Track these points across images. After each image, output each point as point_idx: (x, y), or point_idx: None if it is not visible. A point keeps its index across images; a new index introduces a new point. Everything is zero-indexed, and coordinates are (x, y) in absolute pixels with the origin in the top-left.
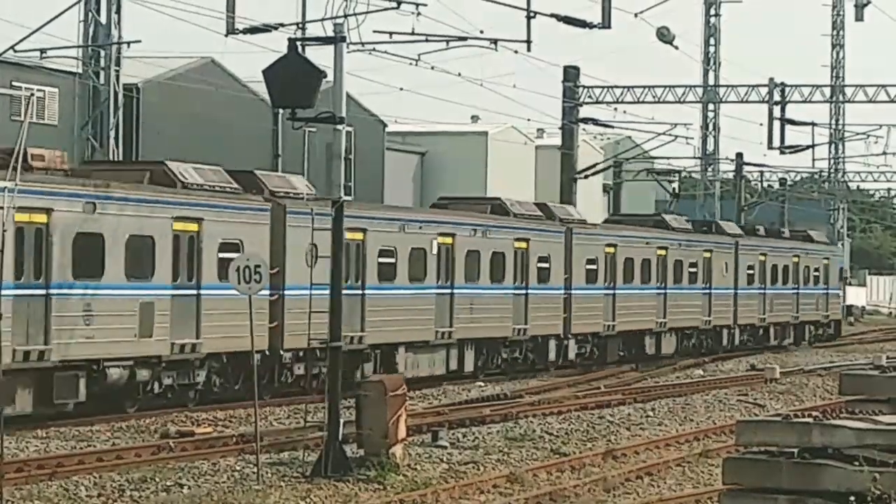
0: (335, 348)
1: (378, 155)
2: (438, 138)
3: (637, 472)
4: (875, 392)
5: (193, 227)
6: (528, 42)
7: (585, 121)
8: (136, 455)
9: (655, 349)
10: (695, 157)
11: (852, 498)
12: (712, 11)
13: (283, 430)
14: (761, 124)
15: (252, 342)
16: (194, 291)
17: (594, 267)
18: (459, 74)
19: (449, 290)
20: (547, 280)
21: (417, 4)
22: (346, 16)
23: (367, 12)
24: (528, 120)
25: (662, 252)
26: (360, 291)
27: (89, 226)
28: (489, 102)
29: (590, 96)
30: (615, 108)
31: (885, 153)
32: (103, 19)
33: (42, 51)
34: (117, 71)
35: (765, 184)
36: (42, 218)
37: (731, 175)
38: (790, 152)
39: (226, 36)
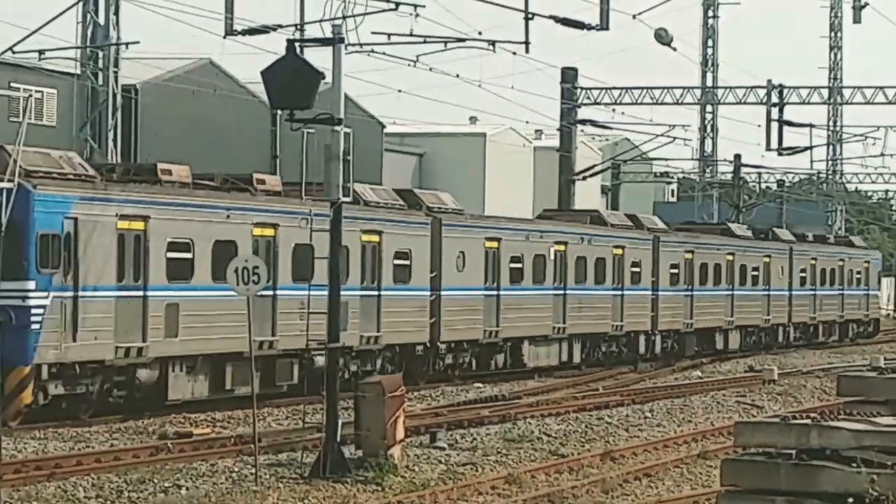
0: (333, 350)
1: (376, 156)
2: (437, 139)
3: (635, 474)
4: (873, 394)
5: (375, 238)
6: (527, 43)
7: (584, 122)
8: (134, 456)
9: (724, 345)
10: (693, 159)
11: (850, 499)
12: (710, 13)
13: (282, 431)
14: (759, 126)
15: (250, 342)
16: (376, 293)
17: (676, 271)
18: (458, 76)
19: (563, 291)
20: (638, 282)
21: (415, 6)
22: (344, 17)
23: (366, 14)
24: (527, 121)
25: (730, 257)
26: (496, 292)
27: (304, 238)
28: (487, 104)
29: (588, 97)
30: (613, 110)
31: (882, 154)
32: (101, 20)
33: (40, 52)
34: (115, 72)
35: (763, 185)
36: (270, 231)
37: (729, 176)
38: (788, 154)
39: (224, 37)
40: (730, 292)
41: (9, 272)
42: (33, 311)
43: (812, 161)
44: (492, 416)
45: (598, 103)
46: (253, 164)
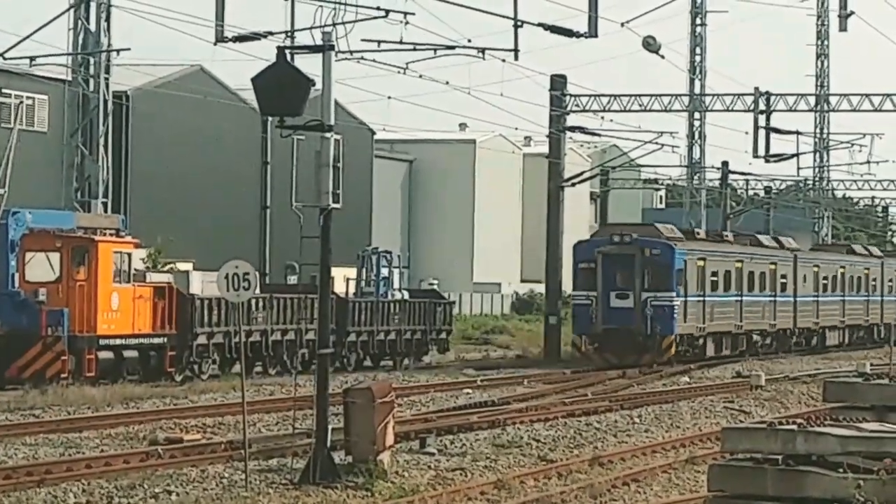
0: (323, 356)
1: (366, 162)
2: (426, 146)
3: (623, 479)
4: (858, 400)
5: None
6: (516, 51)
7: (572, 129)
8: (124, 462)
9: (839, 341)
10: (681, 166)
11: None
12: (698, 21)
13: (272, 436)
14: (747, 133)
15: (242, 341)
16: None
17: (807, 282)
18: (447, 83)
19: (740, 298)
20: (784, 290)
21: (405, 14)
22: (334, 24)
23: (356, 21)
24: (516, 128)
25: (843, 270)
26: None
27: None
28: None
29: (577, 105)
30: (602, 117)
31: (869, 162)
32: (93, 27)
33: (32, 58)
34: (107, 78)
35: (750, 192)
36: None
37: (716, 183)
38: (775, 161)
39: (215, 44)
40: (842, 298)
41: (662, 287)
42: (675, 307)
43: (799, 168)
44: (481, 421)
45: (586, 110)
46: (243, 170)
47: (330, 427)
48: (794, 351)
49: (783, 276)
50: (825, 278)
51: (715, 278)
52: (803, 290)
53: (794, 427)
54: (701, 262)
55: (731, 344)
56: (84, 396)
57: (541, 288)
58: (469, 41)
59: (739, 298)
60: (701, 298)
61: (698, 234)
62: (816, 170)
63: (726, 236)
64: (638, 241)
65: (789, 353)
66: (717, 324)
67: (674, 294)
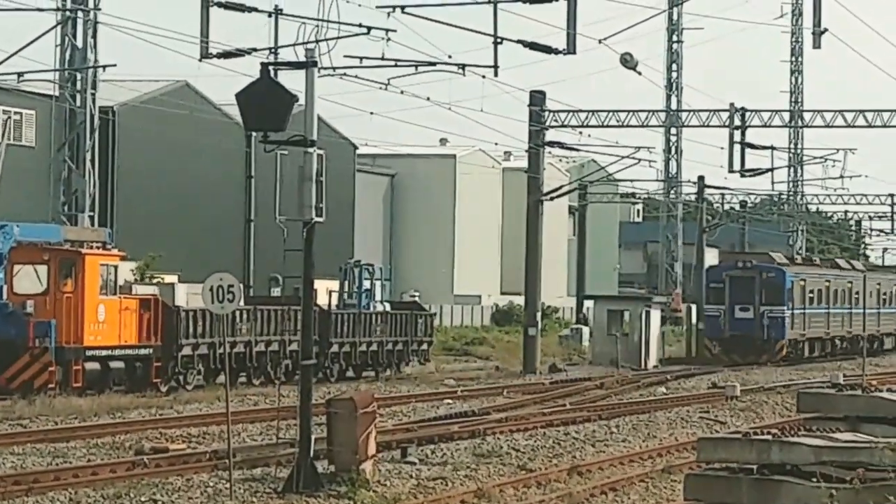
0: (306, 367)
1: (349, 176)
2: (408, 160)
3: (601, 488)
4: (832, 410)
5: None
6: (496, 67)
7: (551, 144)
8: (110, 471)
9: (893, 345)
10: (658, 180)
11: None
12: (674, 38)
13: (256, 446)
14: (722, 148)
15: (226, 352)
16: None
17: (872, 297)
18: (428, 98)
19: (828, 310)
20: (857, 303)
21: (387, 31)
22: (317, 41)
23: (338, 38)
24: (496, 143)
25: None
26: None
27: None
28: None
29: (555, 120)
30: (580, 132)
31: (842, 176)
32: (79, 43)
33: (19, 74)
34: (93, 94)
35: (726, 206)
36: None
37: (693, 197)
38: (750, 175)
39: (200, 60)
40: (893, 310)
41: (774, 301)
42: (785, 318)
43: (773, 182)
44: (461, 431)
45: (565, 126)
46: (227, 183)
47: (313, 437)
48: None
49: (856, 292)
50: (884, 294)
51: (811, 295)
52: (869, 304)
53: (769, 437)
54: (802, 282)
55: (821, 347)
56: (71, 406)
57: (520, 300)
58: (450, 57)
59: (827, 310)
60: (803, 311)
61: (797, 259)
62: (791, 184)
63: (814, 260)
64: (757, 266)
65: (857, 355)
66: (813, 331)
67: (785, 307)
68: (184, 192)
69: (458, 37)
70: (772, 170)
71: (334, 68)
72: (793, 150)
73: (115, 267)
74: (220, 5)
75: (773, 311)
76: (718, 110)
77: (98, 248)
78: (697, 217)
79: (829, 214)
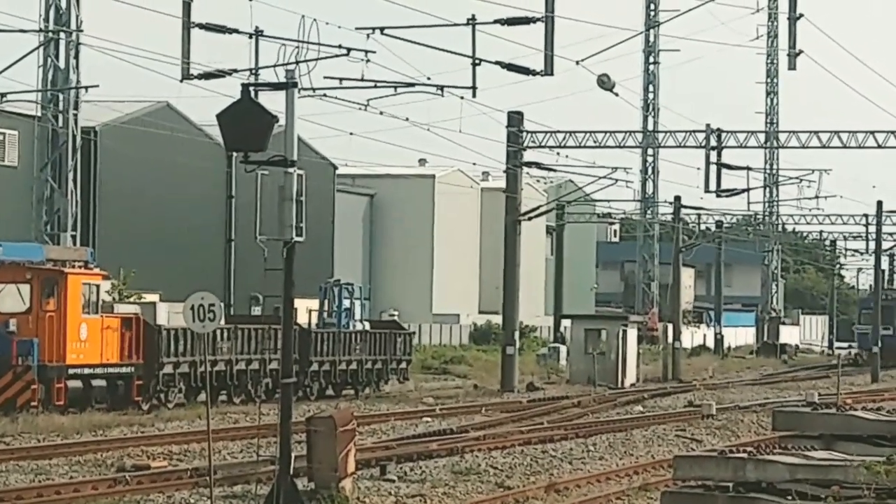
0: (286, 385)
1: (328, 197)
2: (387, 181)
3: None
4: (807, 428)
5: None
6: (474, 88)
7: (529, 164)
8: (93, 488)
9: None
10: (635, 200)
11: None
12: (651, 59)
13: (237, 463)
14: (698, 168)
15: (207, 370)
16: None
17: None
18: (407, 119)
19: None
20: None
21: (366, 52)
22: (297, 62)
23: (318, 59)
24: (474, 164)
25: None
26: None
27: None
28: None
29: (533, 141)
30: (558, 153)
31: (817, 197)
32: (62, 64)
33: (2, 94)
34: (75, 114)
35: (702, 226)
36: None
37: (669, 217)
38: (726, 196)
39: (181, 81)
40: None
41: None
42: None
43: (749, 203)
44: (440, 449)
45: (542, 146)
46: (208, 203)
47: (293, 454)
48: None
49: None
50: None
51: None
52: None
53: (745, 455)
54: None
55: None
56: (53, 424)
57: (498, 319)
58: (428, 79)
59: None
60: None
61: None
62: (766, 204)
63: None
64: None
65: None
66: None
67: None
68: (165, 211)
69: (437, 58)
70: (747, 190)
71: (314, 89)
72: (768, 171)
73: (98, 286)
74: (201, 27)
75: None
76: (695, 131)
77: (80, 267)
78: (674, 237)
79: (804, 234)
